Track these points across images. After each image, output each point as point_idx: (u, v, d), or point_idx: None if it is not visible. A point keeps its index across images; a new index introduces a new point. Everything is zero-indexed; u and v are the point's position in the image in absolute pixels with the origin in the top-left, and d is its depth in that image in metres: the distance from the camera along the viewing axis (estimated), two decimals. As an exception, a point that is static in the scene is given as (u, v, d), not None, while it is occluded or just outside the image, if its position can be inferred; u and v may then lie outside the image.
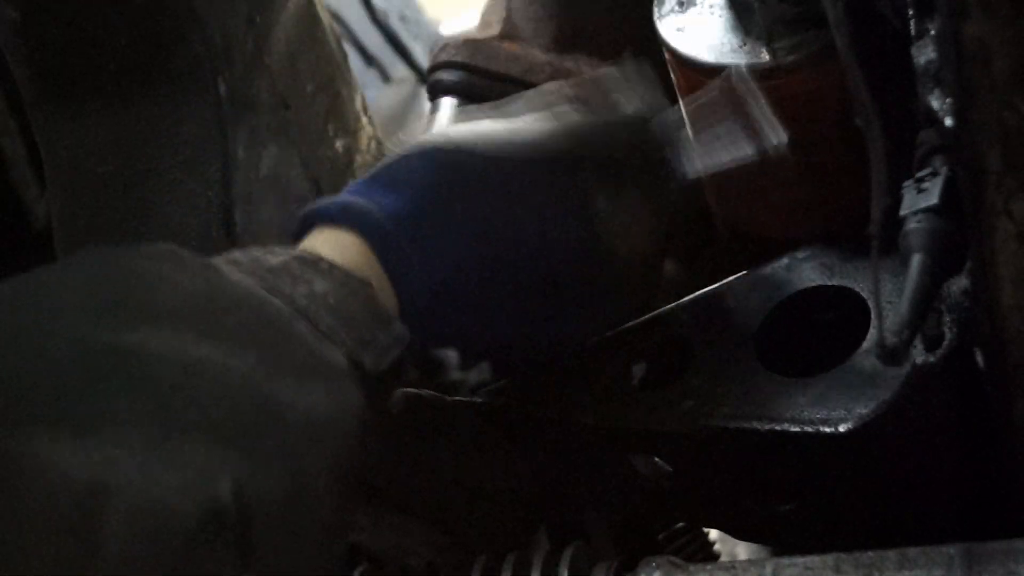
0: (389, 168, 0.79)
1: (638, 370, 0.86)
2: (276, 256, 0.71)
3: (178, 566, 0.55)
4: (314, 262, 0.71)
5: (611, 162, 0.82)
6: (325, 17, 1.12)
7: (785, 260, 0.83)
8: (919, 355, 0.71)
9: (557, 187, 0.80)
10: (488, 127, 0.82)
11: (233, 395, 0.61)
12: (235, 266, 0.68)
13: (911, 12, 0.67)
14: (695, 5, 0.86)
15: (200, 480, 0.56)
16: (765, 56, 0.80)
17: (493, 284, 0.77)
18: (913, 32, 0.66)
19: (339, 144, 1.12)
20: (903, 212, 0.64)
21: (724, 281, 0.86)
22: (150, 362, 0.59)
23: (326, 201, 0.77)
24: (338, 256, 0.72)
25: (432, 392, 0.90)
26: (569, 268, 0.80)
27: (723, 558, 1.05)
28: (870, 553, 0.68)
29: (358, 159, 1.13)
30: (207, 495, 0.56)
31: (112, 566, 0.53)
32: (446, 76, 1.08)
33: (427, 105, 1.12)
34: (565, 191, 0.80)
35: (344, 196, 0.77)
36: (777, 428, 0.75)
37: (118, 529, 0.53)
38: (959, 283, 0.71)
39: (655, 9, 0.87)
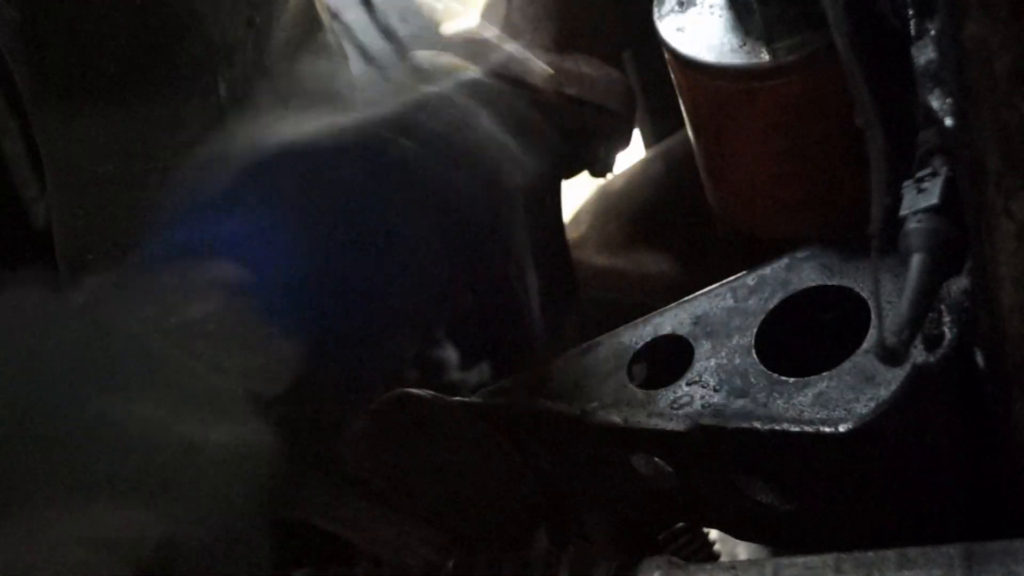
0: (206, 189, 0.78)
1: (638, 370, 0.87)
2: (150, 280, 0.69)
3: None
4: (188, 287, 0.69)
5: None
6: (325, 17, 1.12)
7: (785, 260, 0.83)
8: (919, 355, 0.71)
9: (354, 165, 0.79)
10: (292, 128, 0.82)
11: (141, 446, 0.59)
12: (111, 297, 0.67)
13: (911, 12, 0.67)
14: (695, 5, 0.86)
15: (125, 546, 0.55)
16: (765, 56, 0.80)
17: (322, 266, 0.75)
18: (913, 32, 0.66)
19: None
20: (903, 212, 0.64)
21: (724, 281, 0.86)
22: (48, 424, 0.57)
23: (168, 238, 0.76)
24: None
25: (432, 392, 0.90)
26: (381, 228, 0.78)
27: (723, 558, 1.05)
28: (870, 553, 0.68)
29: (358, 159, 1.13)
30: (134, 560, 0.55)
31: None
32: (446, 76, 1.08)
33: (427, 105, 1.11)
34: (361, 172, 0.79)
35: (179, 231, 0.75)
36: (777, 428, 0.75)
37: None
38: (959, 283, 0.71)
39: (655, 9, 0.87)
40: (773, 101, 0.80)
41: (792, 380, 0.76)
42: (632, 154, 1.16)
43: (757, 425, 0.75)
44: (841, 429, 0.72)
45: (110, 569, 0.54)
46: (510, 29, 1.09)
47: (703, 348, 0.82)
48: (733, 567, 0.72)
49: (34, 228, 1.18)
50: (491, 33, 1.10)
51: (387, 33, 1.19)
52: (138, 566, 0.54)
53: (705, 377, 0.81)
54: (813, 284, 0.82)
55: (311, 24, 1.09)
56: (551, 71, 1.05)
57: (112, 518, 0.55)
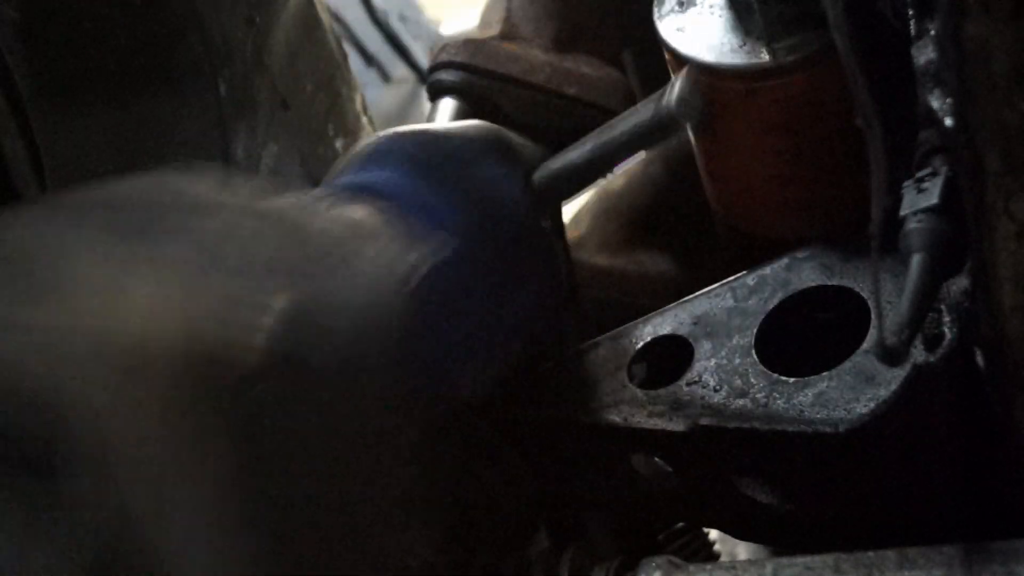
0: (372, 152, 0.83)
1: (638, 370, 0.86)
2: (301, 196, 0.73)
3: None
4: (339, 199, 0.74)
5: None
6: (325, 17, 1.12)
7: (785, 260, 0.83)
8: (919, 355, 0.71)
9: (492, 163, 0.85)
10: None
11: (277, 229, 0.62)
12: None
13: (911, 12, 0.67)
14: (695, 5, 0.85)
15: (246, 309, 0.55)
16: (765, 56, 0.80)
17: (468, 248, 0.79)
18: (913, 32, 0.66)
19: (339, 144, 1.12)
20: (903, 212, 0.64)
21: (724, 281, 0.86)
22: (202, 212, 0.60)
23: (325, 188, 0.80)
24: None
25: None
26: (508, 233, 0.83)
27: (723, 558, 1.05)
28: (870, 553, 0.68)
29: (358, 159, 1.13)
30: (248, 325, 0.55)
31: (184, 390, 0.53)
32: (446, 76, 1.08)
33: (427, 105, 1.12)
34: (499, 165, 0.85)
35: (343, 179, 0.81)
36: (777, 428, 0.75)
37: (177, 358, 0.52)
38: (959, 283, 0.71)
39: (655, 9, 0.87)
40: (773, 101, 0.80)
41: (792, 380, 0.76)
42: (632, 154, 1.16)
43: (757, 425, 0.75)
44: (841, 429, 0.72)
45: (227, 320, 0.54)
46: (510, 29, 1.09)
47: (703, 348, 0.82)
48: (733, 567, 0.72)
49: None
50: (491, 33, 1.10)
51: (387, 33, 1.19)
52: (257, 335, 0.54)
53: (705, 377, 0.81)
54: (813, 284, 0.82)
55: (311, 24, 1.09)
56: (553, 69, 1.05)
57: (243, 279, 0.56)
